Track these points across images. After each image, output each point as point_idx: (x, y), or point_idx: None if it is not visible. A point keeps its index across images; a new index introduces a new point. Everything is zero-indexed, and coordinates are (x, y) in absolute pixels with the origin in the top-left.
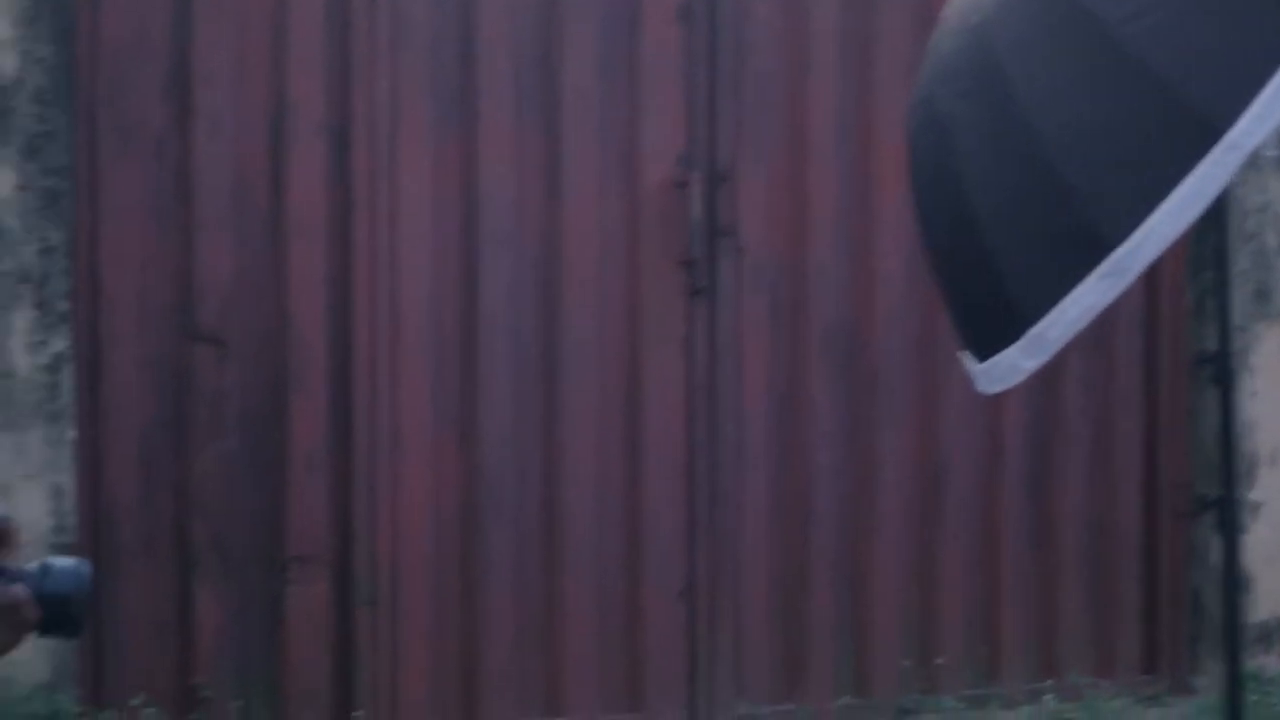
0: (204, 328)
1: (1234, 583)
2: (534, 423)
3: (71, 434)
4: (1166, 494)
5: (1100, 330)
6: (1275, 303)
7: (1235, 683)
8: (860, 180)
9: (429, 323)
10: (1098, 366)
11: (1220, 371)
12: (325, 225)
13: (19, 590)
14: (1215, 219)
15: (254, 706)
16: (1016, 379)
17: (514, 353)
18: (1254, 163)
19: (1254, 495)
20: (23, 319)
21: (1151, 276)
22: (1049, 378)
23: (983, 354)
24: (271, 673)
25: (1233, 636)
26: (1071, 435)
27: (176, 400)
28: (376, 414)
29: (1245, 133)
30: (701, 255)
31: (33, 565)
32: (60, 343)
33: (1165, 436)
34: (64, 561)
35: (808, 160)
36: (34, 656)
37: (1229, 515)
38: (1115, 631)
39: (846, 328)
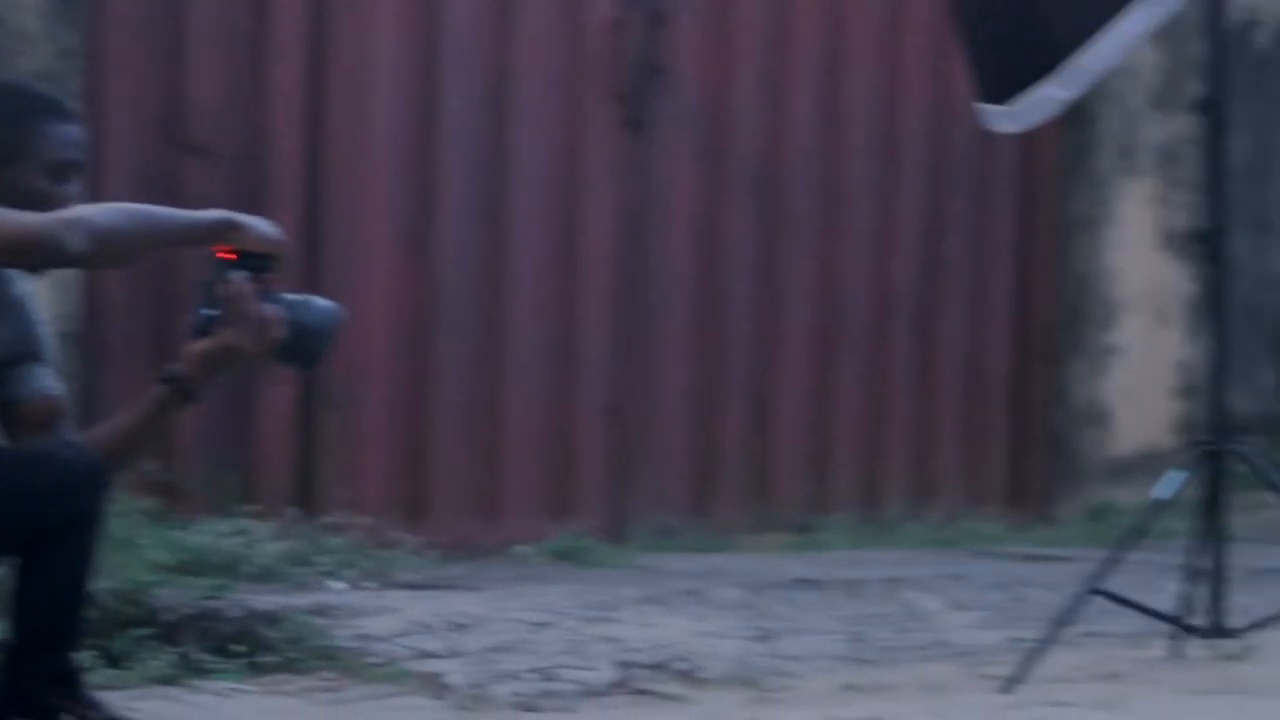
0: (192, 139)
1: None
2: (482, 242)
3: None
4: (1034, 338)
5: (979, 184)
6: (1139, 159)
7: None
8: (780, 28)
9: (392, 144)
10: (977, 219)
11: (1213, 248)
12: (303, 47)
13: (274, 310)
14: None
15: (225, 499)
16: (1048, 113)
17: (467, 175)
18: None
19: (1114, 338)
20: None
21: (1026, 134)
22: (932, 227)
23: (1012, 94)
24: (243, 468)
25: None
26: (951, 281)
27: (166, 205)
28: (344, 226)
29: None
30: (636, 91)
31: (298, 297)
32: None
33: (1035, 284)
34: (324, 302)
35: (736, 6)
36: None
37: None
38: (986, 464)
39: (762, 166)
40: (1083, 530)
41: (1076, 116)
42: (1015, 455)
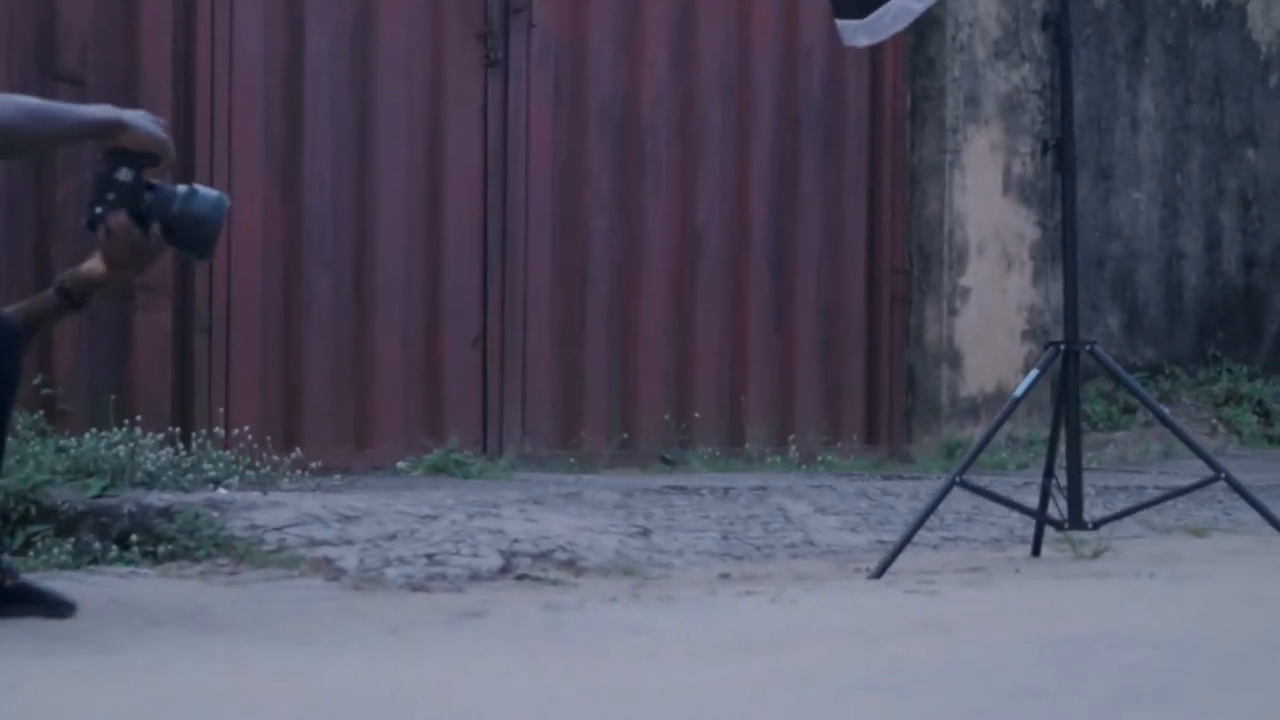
0: (64, 69)
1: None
2: (349, 177)
3: None
4: (886, 279)
5: (830, 129)
6: (984, 108)
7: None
8: None
9: (260, 79)
10: (829, 163)
11: (1062, 159)
12: None
13: (153, 241)
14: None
15: (104, 420)
16: (905, 22)
17: (332, 110)
18: None
19: (964, 281)
20: None
21: (875, 82)
22: (786, 167)
23: (867, 7)
24: (121, 390)
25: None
26: (806, 222)
27: None
28: (214, 158)
29: None
30: (497, 30)
31: (182, 187)
32: None
33: (886, 228)
34: (208, 190)
35: None
36: None
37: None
38: (843, 402)
39: (619, 106)
40: (938, 466)
41: (925, 65)
42: (871, 394)
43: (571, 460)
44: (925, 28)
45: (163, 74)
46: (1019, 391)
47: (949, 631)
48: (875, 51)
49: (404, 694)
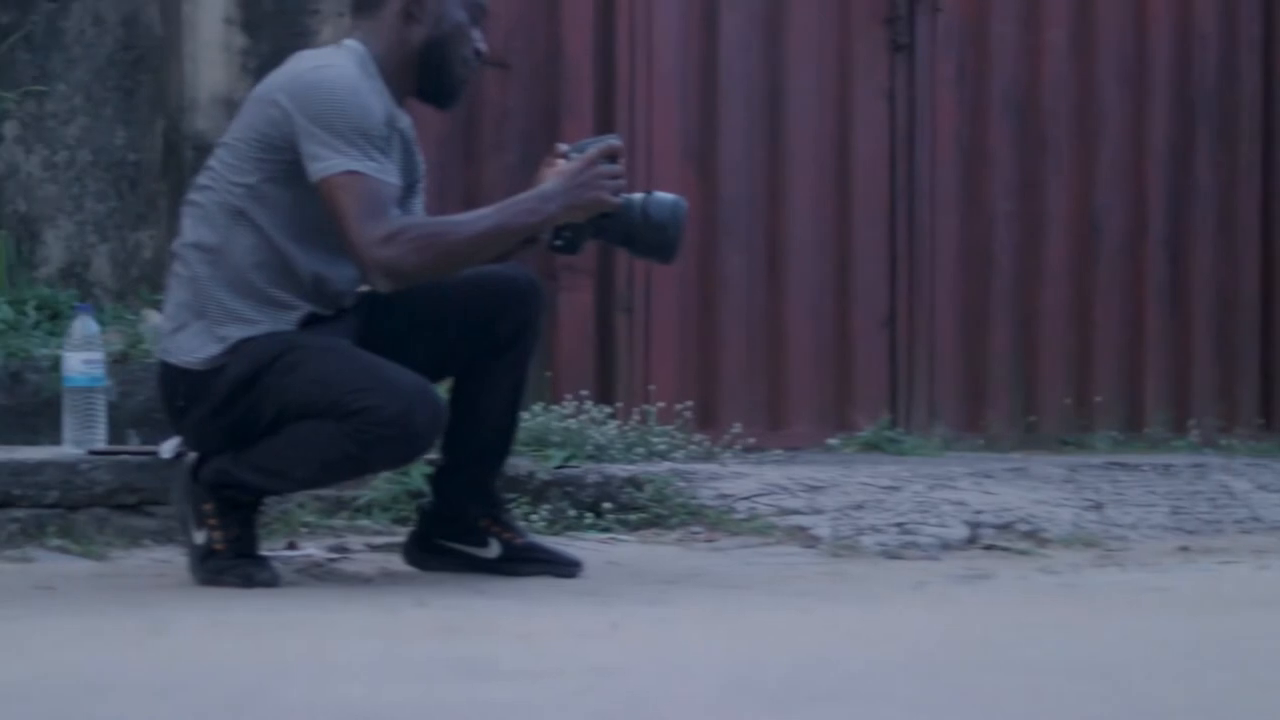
0: (491, 52)
1: None
2: (761, 160)
3: None
4: None
5: (1224, 116)
6: None
7: None
8: None
9: (676, 64)
10: (1222, 149)
11: None
12: None
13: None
14: None
15: (537, 396)
16: None
17: (745, 95)
18: None
19: None
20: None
21: (1268, 69)
22: (1181, 153)
23: None
24: (548, 367)
25: None
26: (1201, 209)
27: (467, 116)
28: (634, 141)
29: None
30: (904, 14)
31: (638, 195)
32: None
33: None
34: (664, 195)
35: None
36: None
37: None
38: (1238, 388)
39: (1020, 90)
40: None
41: None
42: (1267, 380)
43: (980, 442)
44: None
45: (584, 61)
46: None
47: None
48: (1269, 38)
49: (982, 643)
